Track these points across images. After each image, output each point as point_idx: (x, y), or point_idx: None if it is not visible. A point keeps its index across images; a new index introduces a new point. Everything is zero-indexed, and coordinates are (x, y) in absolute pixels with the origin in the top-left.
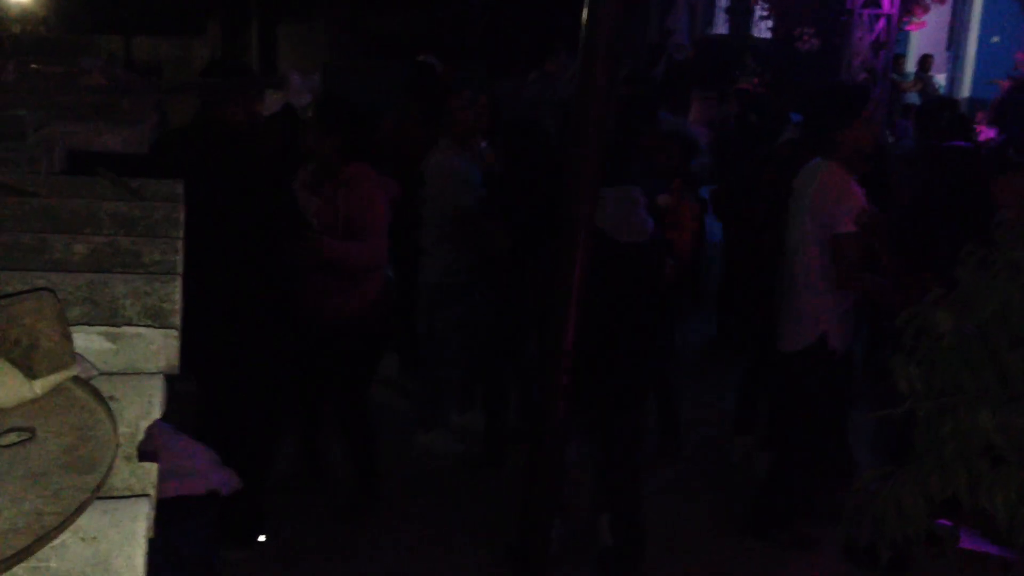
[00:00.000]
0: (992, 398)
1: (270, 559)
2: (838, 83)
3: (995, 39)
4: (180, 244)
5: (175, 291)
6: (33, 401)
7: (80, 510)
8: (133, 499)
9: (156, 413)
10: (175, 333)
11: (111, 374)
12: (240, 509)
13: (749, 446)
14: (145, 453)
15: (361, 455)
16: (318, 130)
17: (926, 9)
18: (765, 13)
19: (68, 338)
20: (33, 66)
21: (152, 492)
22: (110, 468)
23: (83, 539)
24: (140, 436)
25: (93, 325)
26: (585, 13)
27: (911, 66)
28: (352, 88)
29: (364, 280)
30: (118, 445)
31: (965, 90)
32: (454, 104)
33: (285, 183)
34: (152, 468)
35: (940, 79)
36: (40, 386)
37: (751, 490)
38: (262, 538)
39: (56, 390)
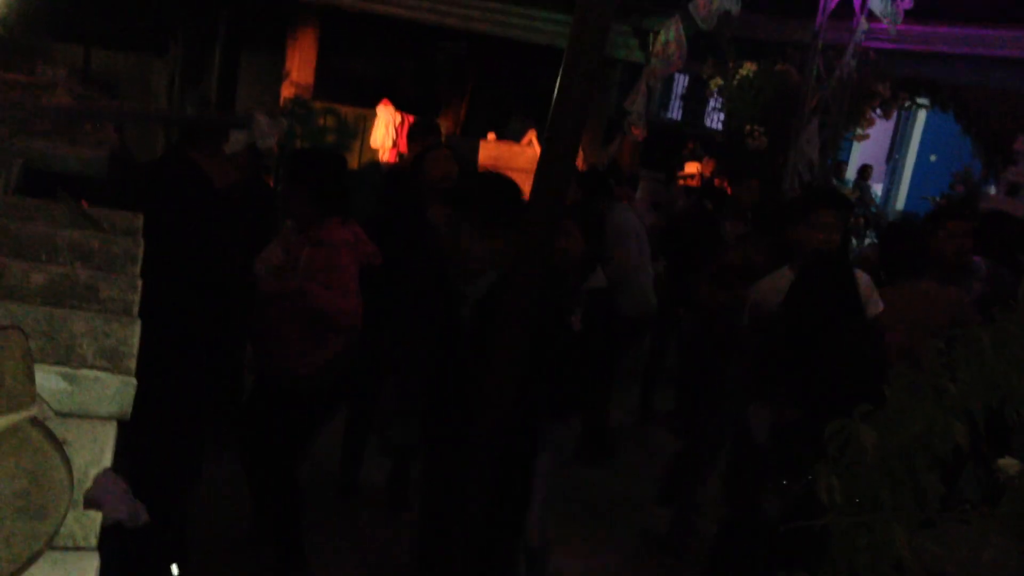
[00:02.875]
0: (908, 518)
1: None
2: (807, 184)
3: (933, 157)
4: (138, 283)
5: (133, 335)
6: None
7: (33, 559)
8: (83, 552)
9: (106, 461)
10: (133, 381)
11: (64, 415)
12: (152, 549)
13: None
14: (88, 501)
15: (280, 527)
16: (288, 181)
17: (871, 122)
18: (718, 105)
19: (31, 378)
20: None
21: (95, 543)
22: (63, 517)
23: None
24: (87, 484)
25: (49, 363)
26: (556, 91)
27: (851, 173)
28: (314, 130)
29: (327, 340)
30: (72, 494)
31: (900, 202)
32: (430, 161)
33: (238, 226)
34: (96, 518)
35: (877, 189)
36: None
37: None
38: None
39: (11, 430)
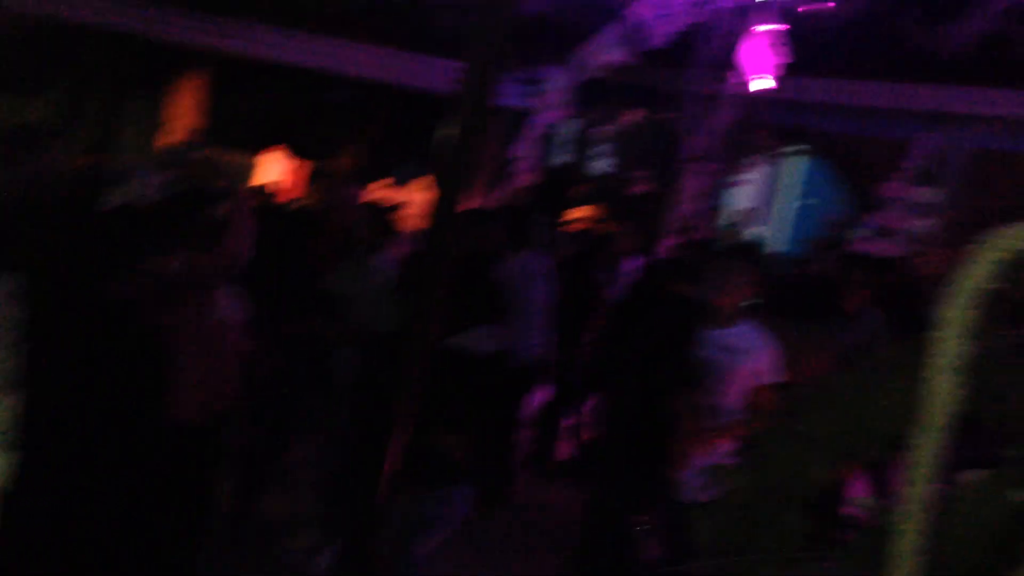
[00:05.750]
0: (772, 560)
1: None
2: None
3: (811, 201)
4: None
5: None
6: None
7: None
8: None
9: None
10: (14, 457)
11: None
12: None
13: None
14: None
15: None
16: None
17: (745, 170)
18: (608, 151)
19: None
20: None
21: None
22: None
23: None
24: None
25: None
26: (435, 138)
27: (728, 217)
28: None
29: None
30: None
31: (785, 245)
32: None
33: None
34: None
35: (763, 232)
36: None
37: None
38: None
39: None
